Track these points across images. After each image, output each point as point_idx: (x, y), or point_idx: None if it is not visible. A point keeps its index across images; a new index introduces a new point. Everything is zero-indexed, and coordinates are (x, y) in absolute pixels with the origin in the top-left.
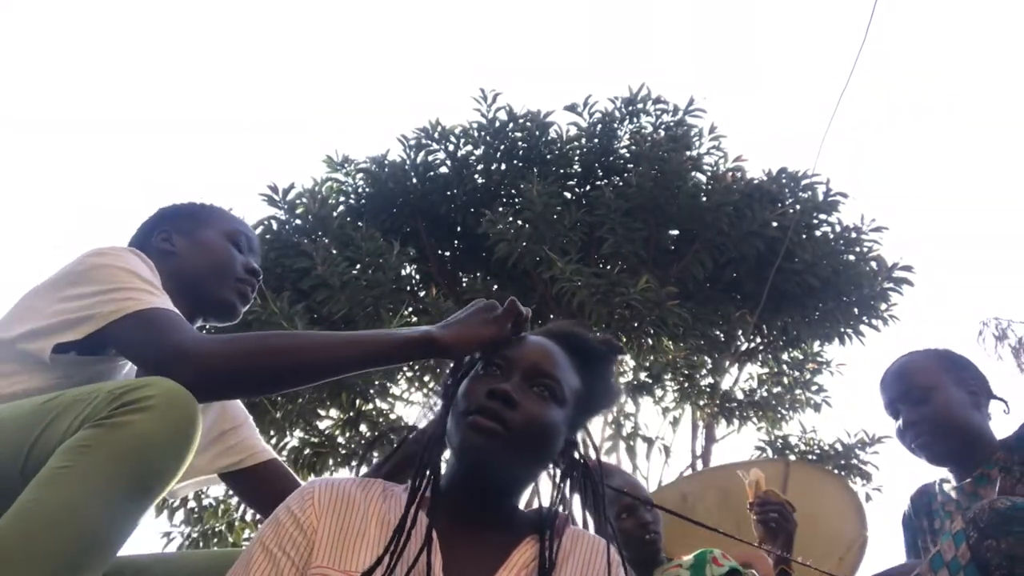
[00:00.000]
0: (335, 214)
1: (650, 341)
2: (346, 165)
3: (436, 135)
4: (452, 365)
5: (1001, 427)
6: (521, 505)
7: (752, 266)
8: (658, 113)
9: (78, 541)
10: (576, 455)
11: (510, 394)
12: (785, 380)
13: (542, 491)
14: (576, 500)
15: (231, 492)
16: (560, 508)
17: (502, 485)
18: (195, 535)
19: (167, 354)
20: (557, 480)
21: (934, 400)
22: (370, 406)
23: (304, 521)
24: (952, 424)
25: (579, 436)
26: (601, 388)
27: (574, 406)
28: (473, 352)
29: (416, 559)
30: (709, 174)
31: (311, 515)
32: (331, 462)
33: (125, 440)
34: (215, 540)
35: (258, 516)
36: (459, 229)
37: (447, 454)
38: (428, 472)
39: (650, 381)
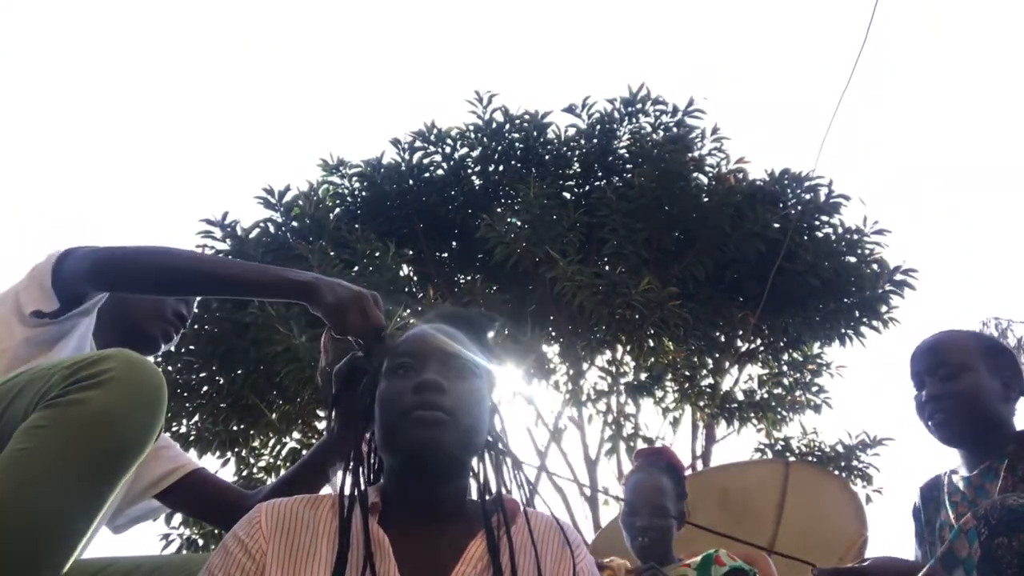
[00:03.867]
0: (331, 216)
1: (651, 342)
2: (341, 168)
3: (432, 137)
4: (329, 371)
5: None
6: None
7: (753, 267)
8: (657, 114)
9: (41, 525)
10: (496, 428)
11: (439, 381)
12: (785, 381)
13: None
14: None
15: None
16: (502, 490)
17: (454, 470)
18: (195, 537)
19: (88, 257)
20: (481, 460)
21: (963, 379)
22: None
23: (252, 546)
24: (976, 408)
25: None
26: (491, 357)
27: (484, 376)
28: (339, 330)
29: (363, 571)
30: (711, 175)
31: (259, 539)
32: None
33: (82, 418)
34: (213, 543)
35: None
36: (456, 231)
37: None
38: (362, 485)
39: (651, 382)
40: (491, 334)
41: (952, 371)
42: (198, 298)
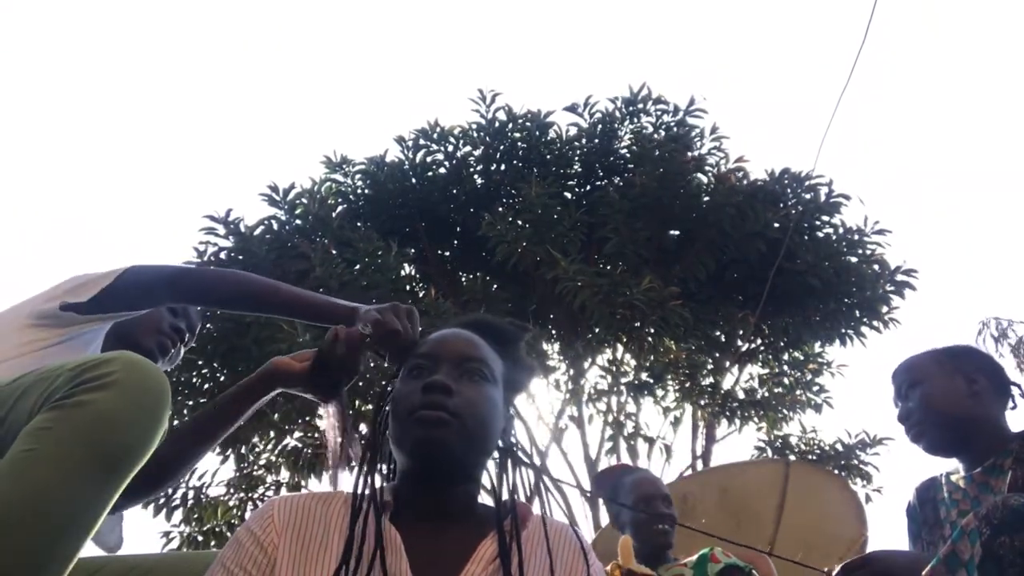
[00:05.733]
0: (334, 215)
1: (652, 341)
2: (345, 166)
3: (435, 136)
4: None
5: (1017, 421)
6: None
7: (753, 267)
8: (659, 113)
9: (46, 526)
10: (512, 436)
11: (446, 383)
12: (786, 380)
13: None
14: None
15: (230, 491)
16: (515, 495)
17: (460, 472)
18: (195, 534)
19: (164, 270)
20: (499, 466)
21: (916, 392)
22: (369, 406)
23: (264, 540)
24: (939, 414)
25: (511, 413)
26: (519, 366)
27: (503, 385)
28: (379, 336)
29: (371, 564)
30: (711, 174)
31: (271, 533)
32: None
33: (86, 420)
34: (214, 540)
35: None
36: (459, 229)
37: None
38: (371, 480)
39: (651, 381)
40: (522, 344)
41: (906, 390)
42: (201, 318)
